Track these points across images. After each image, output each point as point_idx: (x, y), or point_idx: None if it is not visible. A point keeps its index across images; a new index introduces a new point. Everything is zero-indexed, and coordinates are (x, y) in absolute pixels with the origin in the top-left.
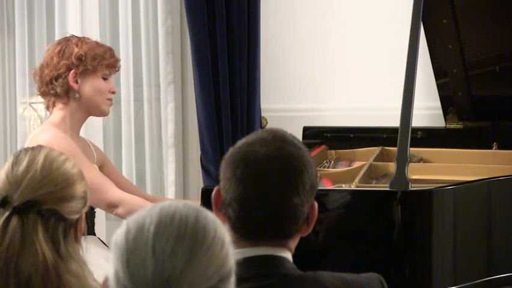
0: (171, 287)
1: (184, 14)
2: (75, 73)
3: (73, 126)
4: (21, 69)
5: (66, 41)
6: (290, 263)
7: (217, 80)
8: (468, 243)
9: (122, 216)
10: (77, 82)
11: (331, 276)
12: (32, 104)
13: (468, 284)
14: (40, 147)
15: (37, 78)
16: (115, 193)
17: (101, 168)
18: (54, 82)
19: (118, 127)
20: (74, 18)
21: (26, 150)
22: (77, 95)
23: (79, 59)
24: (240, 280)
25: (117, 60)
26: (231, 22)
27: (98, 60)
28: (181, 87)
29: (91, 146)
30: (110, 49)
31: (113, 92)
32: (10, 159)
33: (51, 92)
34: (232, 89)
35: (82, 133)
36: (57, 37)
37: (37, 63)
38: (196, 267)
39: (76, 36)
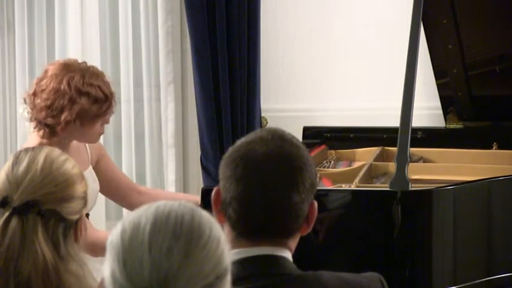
0: (168, 285)
1: (184, 14)
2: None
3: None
4: (21, 69)
5: (63, 93)
6: (290, 263)
7: (217, 80)
8: (468, 243)
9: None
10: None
11: (331, 276)
12: None
13: (468, 284)
14: (40, 147)
15: (30, 102)
16: None
17: (97, 164)
18: (44, 121)
19: (118, 127)
20: (74, 18)
21: (26, 150)
22: (66, 141)
23: (67, 123)
24: (240, 280)
25: (113, 105)
26: (231, 22)
27: (90, 117)
28: (181, 87)
29: (86, 145)
30: (107, 98)
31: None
32: (10, 159)
33: (39, 125)
34: (232, 89)
35: None
36: (57, 37)
37: (37, 63)
38: (193, 266)
39: (76, 86)
